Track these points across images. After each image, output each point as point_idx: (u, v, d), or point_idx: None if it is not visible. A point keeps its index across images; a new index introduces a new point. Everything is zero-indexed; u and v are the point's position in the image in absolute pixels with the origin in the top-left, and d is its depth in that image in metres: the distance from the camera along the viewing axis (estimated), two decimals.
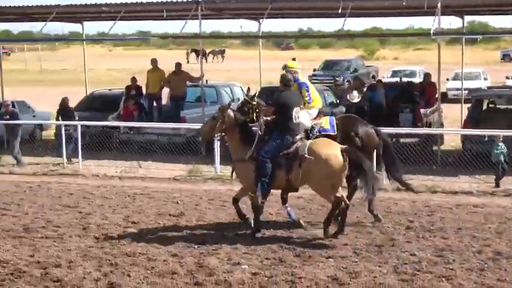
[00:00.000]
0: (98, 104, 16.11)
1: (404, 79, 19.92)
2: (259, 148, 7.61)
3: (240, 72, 35.06)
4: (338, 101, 16.38)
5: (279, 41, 61.89)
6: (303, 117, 8.05)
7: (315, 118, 8.42)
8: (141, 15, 18.30)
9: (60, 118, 14.33)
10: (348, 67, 31.45)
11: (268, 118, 7.82)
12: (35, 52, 53.20)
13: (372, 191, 7.69)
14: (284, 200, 8.32)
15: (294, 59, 12.66)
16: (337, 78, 25.78)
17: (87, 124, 13.89)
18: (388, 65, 39.86)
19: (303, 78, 8.82)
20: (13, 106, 14.46)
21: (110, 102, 16.06)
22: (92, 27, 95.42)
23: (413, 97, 14.45)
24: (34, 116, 16.83)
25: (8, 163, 13.51)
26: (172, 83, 15.73)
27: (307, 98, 8.29)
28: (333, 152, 7.38)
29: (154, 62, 16.30)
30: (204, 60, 21.47)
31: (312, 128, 8.26)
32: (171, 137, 13.91)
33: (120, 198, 10.20)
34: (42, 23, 17.34)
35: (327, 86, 20.05)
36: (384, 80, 19.99)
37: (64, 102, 14.15)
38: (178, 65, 16.10)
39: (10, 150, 13.51)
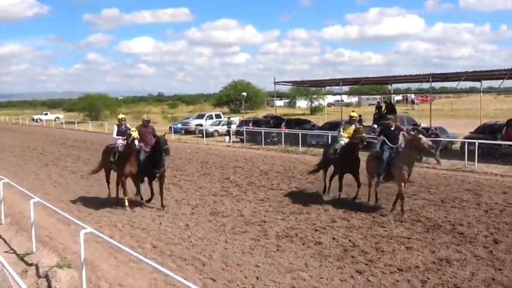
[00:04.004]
0: (487, 130, 21.03)
1: None
2: None
3: None
4: None
5: None
6: None
7: None
8: None
9: None
10: None
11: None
12: None
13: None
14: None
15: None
16: None
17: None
18: None
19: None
20: (435, 129, 21.07)
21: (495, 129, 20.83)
22: None
23: None
24: (448, 136, 22.45)
25: (432, 163, 18.79)
26: None
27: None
28: None
29: None
30: None
31: None
32: None
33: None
34: None
35: None
36: None
37: None
38: None
39: (434, 153, 18.35)
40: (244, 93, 46.26)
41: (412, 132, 11.99)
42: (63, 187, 16.35)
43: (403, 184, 11.52)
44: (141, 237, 10.32)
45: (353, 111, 14.85)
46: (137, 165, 12.59)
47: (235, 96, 68.64)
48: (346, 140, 13.12)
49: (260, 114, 49.55)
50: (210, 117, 42.49)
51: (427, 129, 21.05)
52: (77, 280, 7.72)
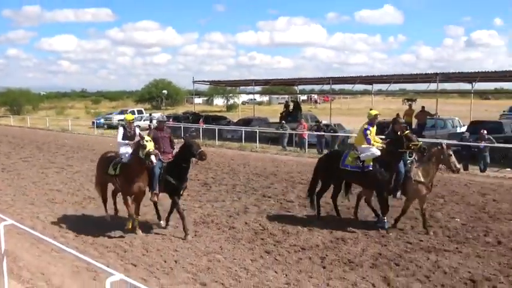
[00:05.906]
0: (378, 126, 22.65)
1: None
2: None
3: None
4: None
5: None
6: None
7: None
8: None
9: None
10: None
11: None
12: None
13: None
14: None
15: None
16: None
17: None
18: None
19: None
20: (335, 126, 23.18)
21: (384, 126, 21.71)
22: None
23: None
24: (344, 131, 24.35)
25: None
26: (418, 117, 24.11)
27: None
28: None
29: (410, 105, 24.34)
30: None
31: None
32: None
33: None
34: None
35: None
36: None
37: None
38: (422, 107, 24.33)
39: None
40: (165, 91, 46.20)
41: (442, 146, 9.58)
42: None
43: (421, 201, 9.82)
44: (64, 227, 10.34)
45: (371, 109, 11.63)
46: (151, 179, 9.64)
47: (157, 94, 68.08)
48: (375, 148, 9.93)
49: (180, 110, 49.67)
50: (133, 112, 41.90)
51: (327, 125, 22.74)
52: None
